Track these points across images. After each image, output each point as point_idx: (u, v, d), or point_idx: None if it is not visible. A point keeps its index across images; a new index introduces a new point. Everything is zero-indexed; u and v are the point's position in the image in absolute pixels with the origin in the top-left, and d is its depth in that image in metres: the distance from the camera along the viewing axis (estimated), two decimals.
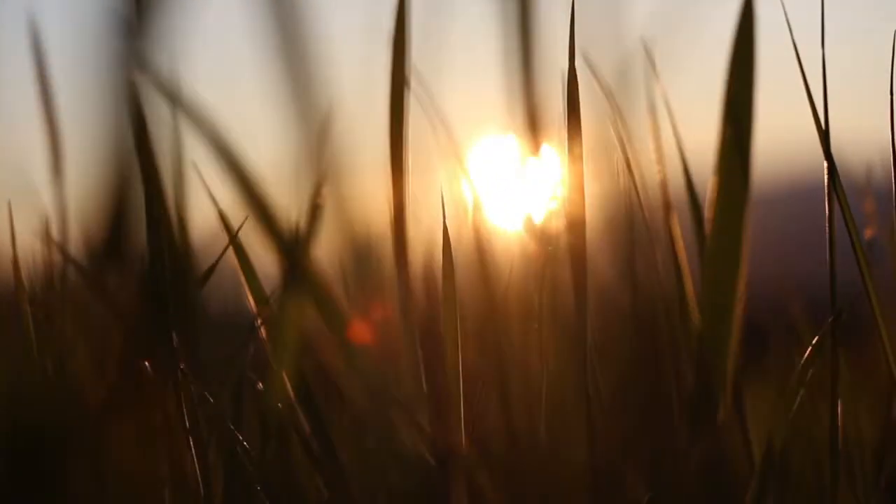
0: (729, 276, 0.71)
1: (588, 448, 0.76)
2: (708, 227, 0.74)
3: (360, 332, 0.72)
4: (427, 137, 0.80)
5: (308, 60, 0.60)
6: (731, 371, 0.72)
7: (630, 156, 0.78)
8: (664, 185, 0.79)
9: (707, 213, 0.74)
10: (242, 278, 0.82)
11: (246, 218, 0.81)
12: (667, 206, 0.79)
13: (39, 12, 0.94)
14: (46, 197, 0.91)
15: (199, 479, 0.81)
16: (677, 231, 0.78)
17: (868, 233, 0.97)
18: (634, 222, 0.79)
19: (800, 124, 0.83)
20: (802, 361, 0.81)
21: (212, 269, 0.83)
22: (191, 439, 0.81)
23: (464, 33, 0.70)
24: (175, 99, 0.71)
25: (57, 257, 0.89)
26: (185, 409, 0.80)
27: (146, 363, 0.76)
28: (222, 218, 0.84)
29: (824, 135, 0.80)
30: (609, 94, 0.75)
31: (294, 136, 0.63)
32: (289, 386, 0.79)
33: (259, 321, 0.81)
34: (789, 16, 0.80)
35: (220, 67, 0.67)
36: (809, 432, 0.87)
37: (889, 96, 0.82)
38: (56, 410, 0.76)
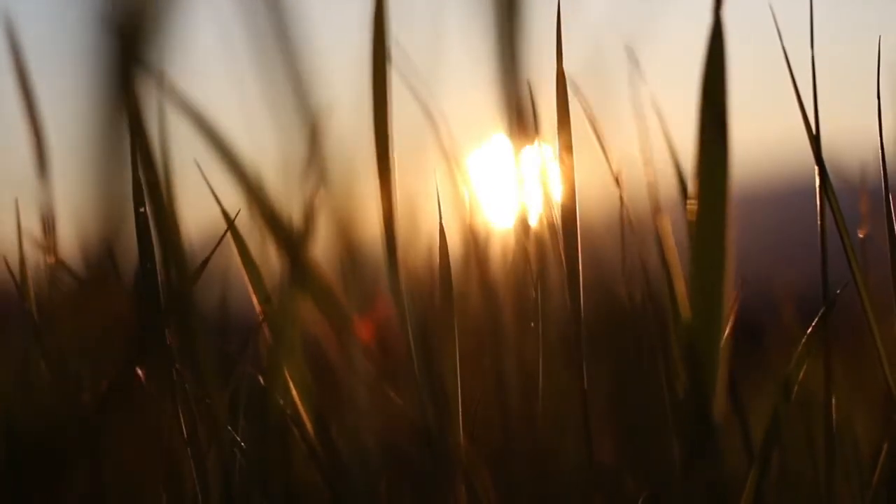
0: (715, 267, 0.71)
1: (584, 445, 0.76)
2: (691, 225, 0.73)
3: (359, 328, 0.72)
4: (421, 137, 0.80)
5: (301, 60, 0.61)
6: (724, 361, 0.72)
7: (613, 155, 0.78)
8: (652, 183, 0.79)
9: (689, 211, 0.73)
10: (244, 272, 0.82)
11: (239, 210, 0.81)
12: (656, 204, 0.79)
13: (26, 14, 0.94)
14: (35, 197, 0.91)
15: (196, 480, 0.81)
16: (667, 228, 0.78)
17: (862, 232, 0.98)
18: (623, 220, 0.79)
19: (798, 124, 0.84)
20: (797, 353, 0.81)
21: (205, 263, 0.83)
22: (187, 440, 0.81)
23: (453, 35, 0.70)
24: (172, 97, 0.72)
25: (49, 258, 0.89)
26: (180, 410, 0.80)
27: (141, 364, 0.76)
28: (223, 212, 0.84)
29: (814, 135, 0.81)
30: (593, 94, 0.76)
31: (288, 136, 0.63)
32: (290, 382, 0.79)
33: (260, 316, 0.81)
34: (784, 16, 0.81)
35: (213, 68, 0.67)
36: (805, 425, 0.87)
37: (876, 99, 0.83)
38: (53, 412, 0.76)
